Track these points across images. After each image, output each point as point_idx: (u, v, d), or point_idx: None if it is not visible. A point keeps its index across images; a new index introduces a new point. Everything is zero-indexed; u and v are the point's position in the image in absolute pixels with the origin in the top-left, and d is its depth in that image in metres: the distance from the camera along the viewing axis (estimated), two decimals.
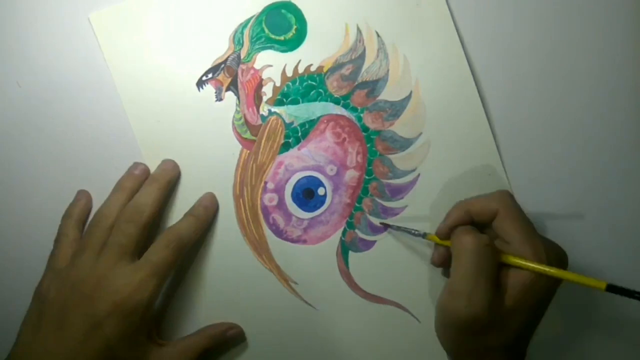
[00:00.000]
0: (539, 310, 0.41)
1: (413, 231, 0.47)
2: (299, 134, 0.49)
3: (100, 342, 0.42)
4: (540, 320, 0.42)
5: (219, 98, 0.49)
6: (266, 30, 0.49)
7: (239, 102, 0.49)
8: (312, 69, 0.49)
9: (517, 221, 0.41)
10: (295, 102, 0.49)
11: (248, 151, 0.49)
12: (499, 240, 0.42)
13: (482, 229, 0.43)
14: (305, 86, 0.49)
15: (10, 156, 0.49)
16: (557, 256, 0.40)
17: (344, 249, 0.49)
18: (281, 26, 0.49)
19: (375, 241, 0.49)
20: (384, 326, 0.49)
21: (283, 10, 0.49)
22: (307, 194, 0.49)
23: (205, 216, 0.48)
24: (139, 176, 0.47)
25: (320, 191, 0.49)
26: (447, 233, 0.43)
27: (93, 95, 0.48)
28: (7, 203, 0.49)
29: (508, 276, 0.40)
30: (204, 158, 0.48)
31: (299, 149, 0.49)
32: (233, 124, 0.49)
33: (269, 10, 0.49)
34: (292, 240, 0.49)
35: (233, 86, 0.49)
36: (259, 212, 0.49)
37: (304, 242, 0.49)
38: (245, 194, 0.49)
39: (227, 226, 0.49)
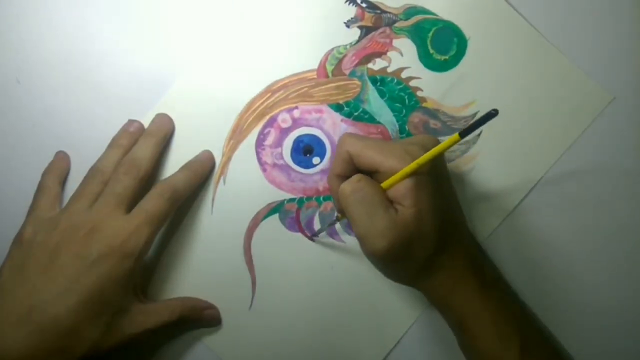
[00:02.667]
0: (439, 196, 0.41)
1: (334, 219, 0.47)
2: (355, 113, 0.48)
3: (92, 281, 0.41)
4: (455, 201, 0.44)
5: (348, 25, 0.48)
6: (429, 39, 0.48)
7: (354, 44, 0.48)
8: (420, 92, 0.48)
9: (366, 148, 0.40)
10: (381, 93, 0.48)
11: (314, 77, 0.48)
12: (373, 174, 0.41)
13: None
14: (399, 92, 0.48)
15: (10, 153, 0.49)
16: (420, 146, 0.40)
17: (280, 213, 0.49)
18: (445, 43, 0.48)
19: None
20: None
21: (454, 37, 0.48)
22: (306, 151, 0.49)
23: (202, 171, 0.48)
24: (133, 133, 0.47)
25: (315, 160, 0.49)
26: (340, 206, 0.42)
27: (92, 92, 0.49)
28: (6, 201, 0.49)
29: (396, 191, 0.39)
30: None
31: (341, 120, 0.48)
32: (331, 49, 0.48)
33: (444, 25, 0.48)
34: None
35: (366, 30, 0.48)
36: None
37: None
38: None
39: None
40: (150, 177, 0.46)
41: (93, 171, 0.46)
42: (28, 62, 0.49)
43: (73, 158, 0.49)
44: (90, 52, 0.49)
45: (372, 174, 0.41)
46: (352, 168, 0.42)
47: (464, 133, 0.36)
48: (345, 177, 0.42)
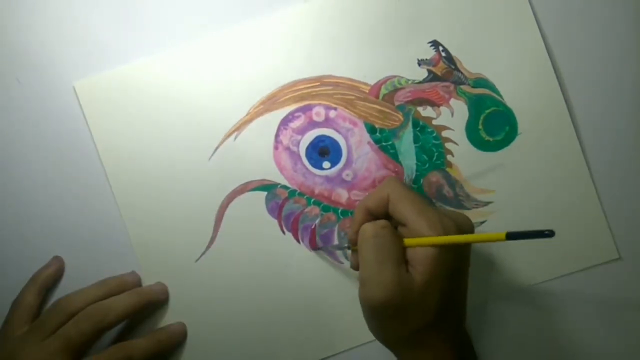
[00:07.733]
0: (454, 280, 0.40)
1: (340, 246, 0.47)
2: (383, 143, 0.48)
3: None
4: (465, 291, 0.42)
5: (420, 63, 0.48)
6: (484, 115, 0.48)
7: (417, 82, 0.48)
8: (450, 157, 0.48)
9: (406, 200, 0.40)
10: (416, 138, 0.48)
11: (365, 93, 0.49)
12: (400, 226, 0.41)
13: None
14: (432, 146, 0.48)
15: (8, 152, 0.49)
16: (455, 223, 0.39)
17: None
18: (497, 126, 0.48)
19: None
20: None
21: (507, 125, 0.48)
22: (323, 152, 0.49)
23: (168, 344, 0.47)
24: (127, 283, 0.47)
25: (326, 164, 0.49)
26: (355, 238, 0.42)
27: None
28: (6, 200, 0.48)
29: (415, 253, 0.39)
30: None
31: (367, 142, 0.48)
32: (393, 76, 0.48)
33: (504, 109, 0.48)
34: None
35: (433, 76, 0.48)
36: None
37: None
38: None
39: None
40: (114, 328, 0.45)
41: (63, 302, 0.44)
42: (28, 62, 0.48)
43: (73, 158, 0.48)
44: (90, 51, 0.48)
45: (399, 226, 0.41)
46: (384, 210, 0.42)
47: (510, 236, 0.35)
48: (373, 213, 0.42)
